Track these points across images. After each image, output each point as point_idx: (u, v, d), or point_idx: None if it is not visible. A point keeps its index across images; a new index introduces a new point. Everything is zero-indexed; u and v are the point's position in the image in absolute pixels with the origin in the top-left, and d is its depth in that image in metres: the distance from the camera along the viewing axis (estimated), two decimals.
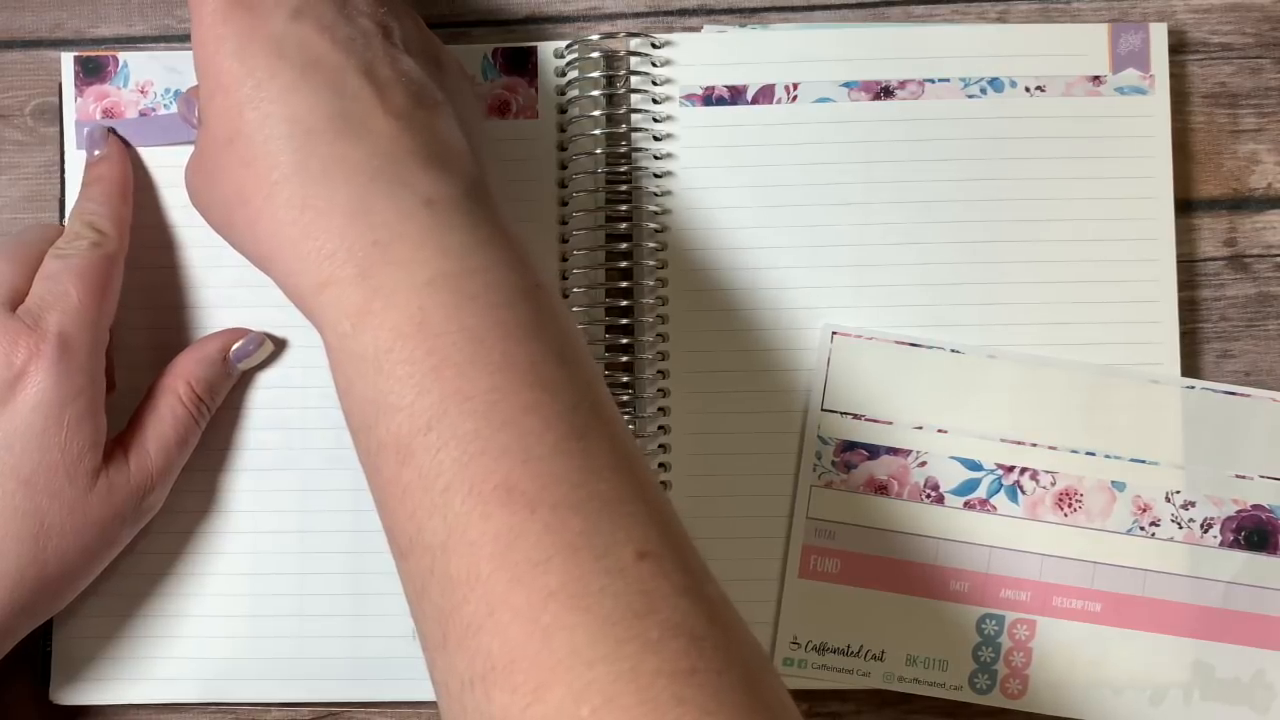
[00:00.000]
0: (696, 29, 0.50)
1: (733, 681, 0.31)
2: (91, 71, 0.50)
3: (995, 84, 0.49)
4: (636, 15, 0.51)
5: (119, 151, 0.49)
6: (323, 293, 0.36)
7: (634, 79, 0.49)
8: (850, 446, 0.49)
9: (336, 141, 0.37)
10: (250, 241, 0.39)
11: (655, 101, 0.49)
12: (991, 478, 0.48)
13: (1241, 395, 0.48)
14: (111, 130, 0.49)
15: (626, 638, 0.31)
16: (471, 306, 0.35)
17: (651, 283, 0.49)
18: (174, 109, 0.50)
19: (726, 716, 0.30)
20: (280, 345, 0.49)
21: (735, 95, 0.49)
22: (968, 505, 0.48)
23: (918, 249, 0.49)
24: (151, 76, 0.50)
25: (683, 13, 0.51)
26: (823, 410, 0.49)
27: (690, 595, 0.32)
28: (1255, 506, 0.48)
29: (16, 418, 0.43)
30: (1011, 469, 0.48)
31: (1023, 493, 0.48)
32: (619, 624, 0.31)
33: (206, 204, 0.41)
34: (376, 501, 0.36)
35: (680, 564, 0.33)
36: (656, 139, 0.49)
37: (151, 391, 0.47)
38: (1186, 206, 0.50)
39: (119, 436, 0.46)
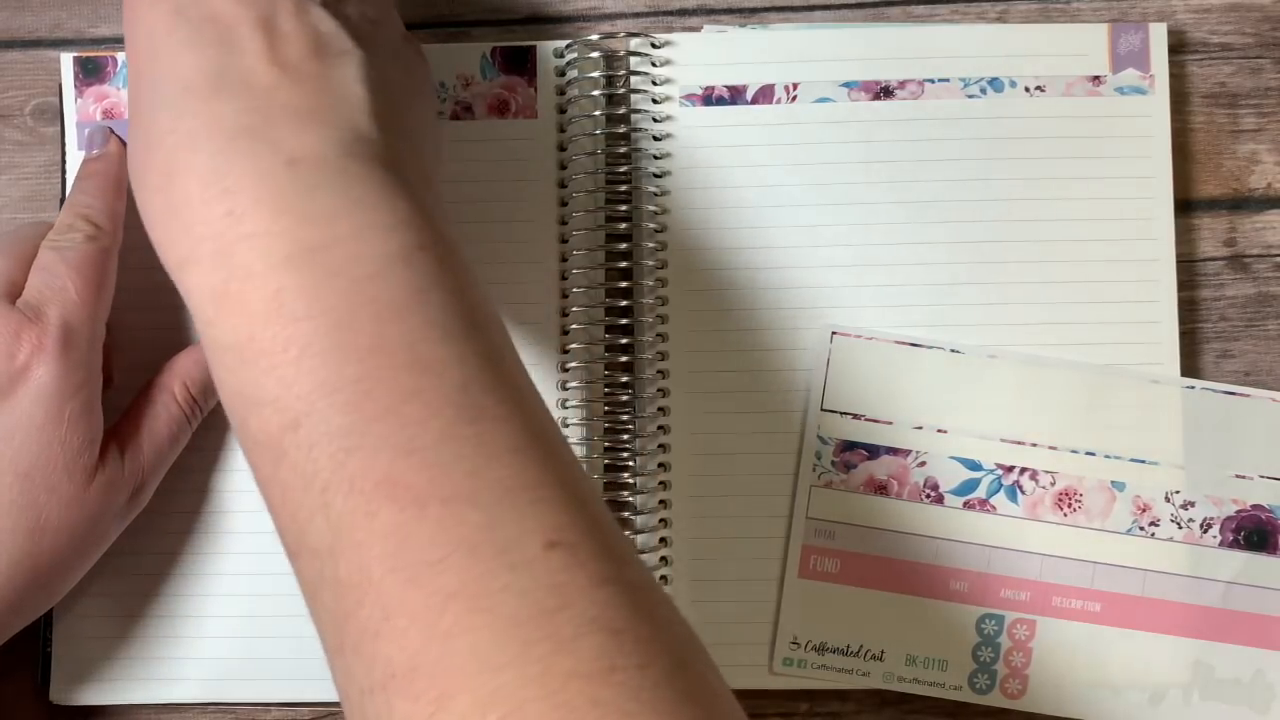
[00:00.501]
0: (696, 29, 0.50)
1: (657, 677, 0.29)
2: (91, 72, 0.50)
3: (995, 84, 0.49)
4: (636, 15, 0.51)
5: (117, 149, 0.49)
6: (185, 272, 0.34)
7: (634, 79, 0.49)
8: (850, 446, 0.49)
9: (211, 98, 0.34)
10: (142, 215, 0.36)
11: (655, 101, 0.49)
12: (991, 478, 0.48)
13: (1241, 395, 0.48)
14: (111, 131, 0.49)
15: (536, 638, 0.28)
16: (334, 284, 0.32)
17: (651, 283, 0.49)
18: None
19: (650, 717, 0.28)
20: None
21: (735, 95, 0.49)
22: (967, 505, 0.48)
23: (918, 249, 0.49)
24: None
25: (683, 13, 0.51)
26: (823, 410, 0.49)
27: (609, 584, 0.30)
28: (1255, 506, 0.48)
29: (17, 410, 0.43)
30: (1011, 469, 0.48)
31: (1022, 493, 0.48)
32: (526, 623, 0.28)
33: (131, 182, 0.38)
34: (264, 500, 0.33)
35: (597, 550, 0.30)
36: (656, 139, 0.49)
37: (147, 389, 0.47)
38: (1186, 206, 0.50)
39: (112, 431, 0.46)
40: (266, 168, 0.33)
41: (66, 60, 0.50)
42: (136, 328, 0.49)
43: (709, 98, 0.49)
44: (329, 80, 0.35)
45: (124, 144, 0.49)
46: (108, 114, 0.50)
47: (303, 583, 0.32)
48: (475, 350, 0.32)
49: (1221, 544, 0.48)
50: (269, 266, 0.32)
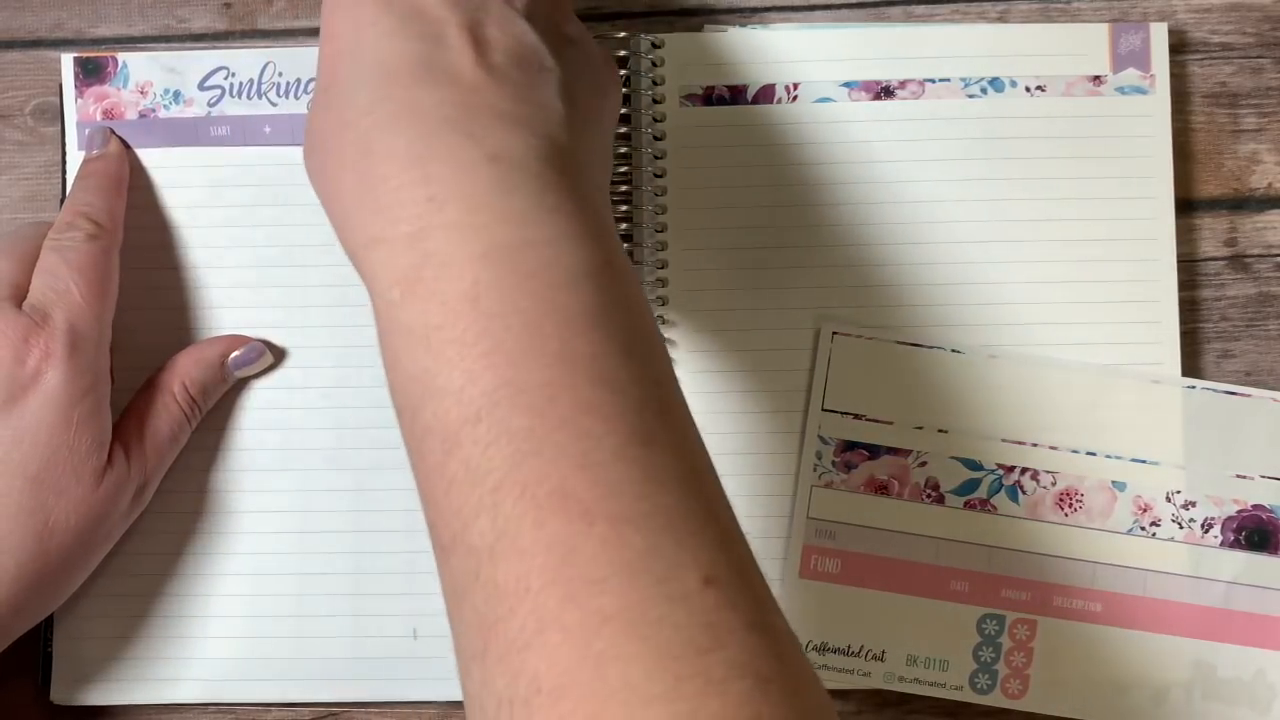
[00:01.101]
0: (697, 29, 0.50)
1: None
2: (91, 72, 0.50)
3: (995, 84, 0.49)
4: (636, 15, 0.51)
5: (117, 149, 0.49)
6: (373, 251, 0.34)
7: (634, 79, 0.49)
8: (850, 446, 0.49)
9: (414, 86, 0.34)
10: (321, 190, 0.36)
11: (655, 101, 0.49)
12: (992, 478, 0.48)
13: (1242, 395, 0.48)
14: (112, 131, 0.49)
15: (687, 675, 0.28)
16: (528, 286, 0.32)
17: (651, 281, 0.49)
18: (174, 110, 0.50)
19: None
20: (279, 356, 0.49)
21: (735, 95, 0.49)
22: (968, 505, 0.48)
23: (918, 249, 0.49)
24: (151, 77, 0.50)
25: (683, 13, 0.51)
26: (823, 410, 0.49)
27: (758, 630, 0.29)
28: (1256, 506, 0.48)
29: (27, 415, 0.43)
30: (1012, 469, 0.48)
31: (1023, 493, 0.48)
32: (680, 659, 0.28)
33: (307, 161, 0.37)
34: (419, 489, 0.33)
35: (748, 593, 0.30)
36: (657, 139, 0.49)
37: (147, 388, 0.47)
38: (1187, 206, 0.50)
39: (115, 432, 0.46)
40: (468, 161, 0.33)
41: (67, 61, 0.50)
42: (136, 328, 0.49)
43: (709, 98, 0.49)
44: (531, 89, 0.35)
45: (124, 144, 0.49)
46: (108, 114, 0.50)
47: (450, 579, 0.32)
48: (650, 373, 0.32)
49: (1222, 544, 0.48)
50: (467, 257, 0.32)
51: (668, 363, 0.34)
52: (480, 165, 0.33)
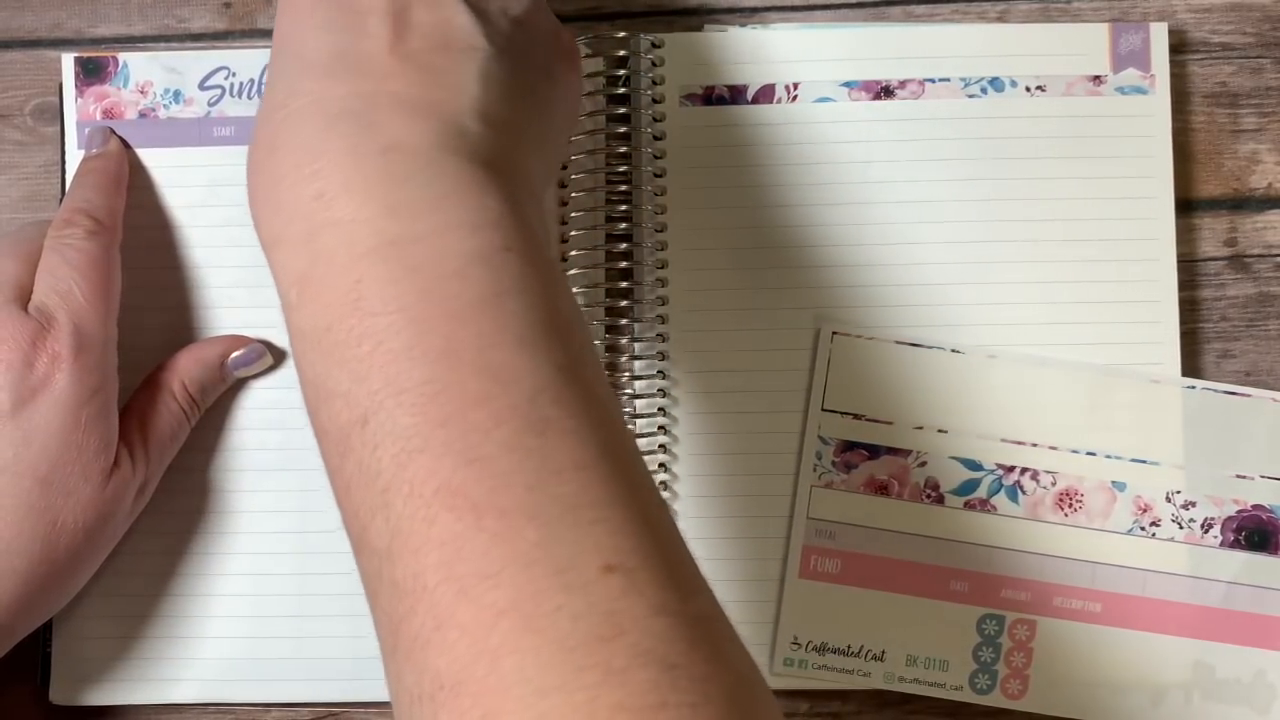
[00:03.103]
0: (697, 29, 0.50)
1: (709, 717, 0.27)
2: (91, 72, 0.50)
3: (995, 84, 0.49)
4: (636, 15, 0.51)
5: (116, 147, 0.49)
6: (275, 251, 0.33)
7: (634, 79, 0.49)
8: (850, 446, 0.48)
9: (324, 79, 0.34)
10: (247, 193, 0.36)
11: (655, 101, 0.49)
12: (992, 478, 0.48)
13: (1242, 395, 0.48)
14: (112, 131, 0.49)
15: (586, 665, 0.27)
16: (413, 280, 0.31)
17: (651, 282, 0.49)
18: (174, 110, 0.50)
19: None
20: (279, 357, 0.49)
21: (735, 95, 0.49)
22: (968, 505, 0.48)
23: (918, 249, 0.49)
24: (151, 77, 0.50)
25: (683, 13, 0.51)
26: (823, 410, 0.49)
27: (668, 615, 0.28)
28: (1256, 507, 0.48)
29: (36, 416, 0.43)
30: (1012, 469, 0.48)
31: (1023, 493, 0.48)
32: (578, 649, 0.27)
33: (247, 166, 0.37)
34: (332, 490, 0.33)
35: (659, 577, 0.29)
36: (657, 139, 0.49)
37: (146, 387, 0.47)
38: (1187, 206, 0.50)
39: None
40: (361, 153, 0.33)
41: (67, 60, 0.50)
42: (136, 328, 0.49)
43: (709, 98, 0.49)
44: (445, 74, 0.35)
45: (124, 143, 0.49)
46: (108, 114, 0.50)
47: (364, 579, 0.32)
48: (550, 359, 0.31)
49: (1222, 544, 0.48)
50: (351, 256, 0.32)
51: (578, 341, 0.33)
52: (372, 157, 0.32)
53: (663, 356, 0.49)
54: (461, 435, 0.30)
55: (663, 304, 0.49)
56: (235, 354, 0.48)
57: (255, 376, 0.49)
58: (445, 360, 0.30)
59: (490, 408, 0.30)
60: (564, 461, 0.30)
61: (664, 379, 0.49)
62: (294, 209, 0.33)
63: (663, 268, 0.49)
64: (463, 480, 0.29)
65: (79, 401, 0.43)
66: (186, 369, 0.48)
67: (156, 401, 0.47)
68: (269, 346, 0.49)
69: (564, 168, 0.49)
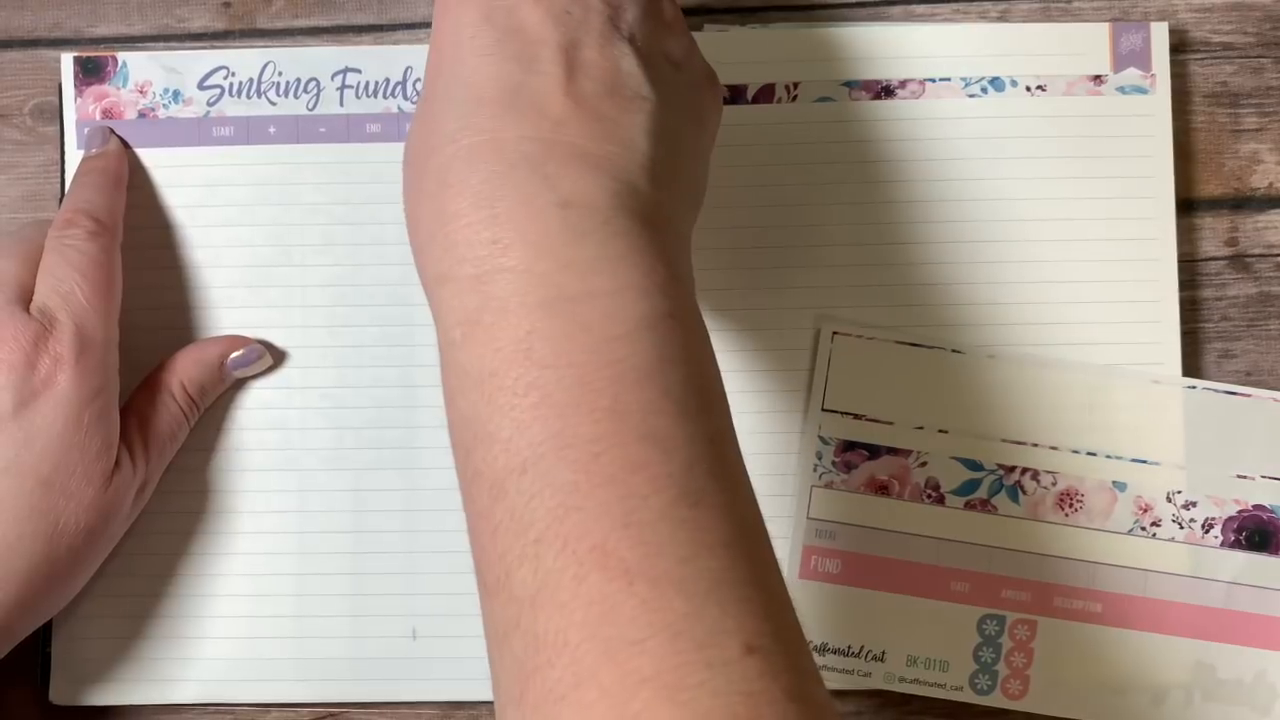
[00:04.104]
0: (697, 29, 0.50)
1: None
2: (91, 72, 0.50)
3: (996, 83, 0.49)
4: None
5: (116, 147, 0.49)
6: (440, 288, 0.34)
7: None
8: (850, 446, 0.48)
9: (499, 116, 0.34)
10: (405, 212, 0.36)
11: None
12: (992, 478, 0.48)
13: (1243, 395, 0.48)
14: (111, 131, 0.49)
15: None
16: (584, 339, 0.31)
17: None
18: (173, 110, 0.49)
19: None
20: (279, 358, 0.49)
21: (735, 95, 0.49)
22: (969, 505, 0.48)
23: (917, 249, 0.49)
24: (150, 77, 0.50)
25: (683, 12, 0.51)
26: (823, 410, 0.49)
27: (800, 702, 0.29)
28: (1257, 507, 0.48)
29: (39, 418, 0.43)
30: (1012, 469, 0.48)
31: (1024, 493, 0.48)
32: None
33: (403, 173, 0.37)
34: (468, 526, 0.33)
35: (791, 662, 0.29)
36: None
37: (146, 388, 0.47)
38: (1188, 206, 0.50)
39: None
40: (539, 205, 0.33)
41: (66, 60, 0.50)
42: (135, 328, 0.49)
43: None
44: (617, 125, 0.35)
45: (124, 143, 0.49)
46: (107, 114, 0.50)
47: (492, 622, 0.32)
48: (704, 431, 0.32)
49: (1223, 544, 0.48)
50: (524, 306, 0.32)
51: (725, 418, 0.33)
52: (551, 210, 0.33)
53: None
54: (620, 498, 0.30)
55: None
56: (235, 354, 0.48)
57: (255, 377, 0.49)
58: (611, 421, 0.31)
59: (649, 474, 0.30)
60: (714, 537, 0.30)
61: None
62: (466, 250, 0.33)
63: None
64: (618, 543, 0.29)
65: (81, 402, 0.43)
66: (186, 369, 0.48)
67: (156, 402, 0.47)
68: (268, 347, 0.49)
69: None
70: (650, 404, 0.31)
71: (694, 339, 0.33)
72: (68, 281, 0.44)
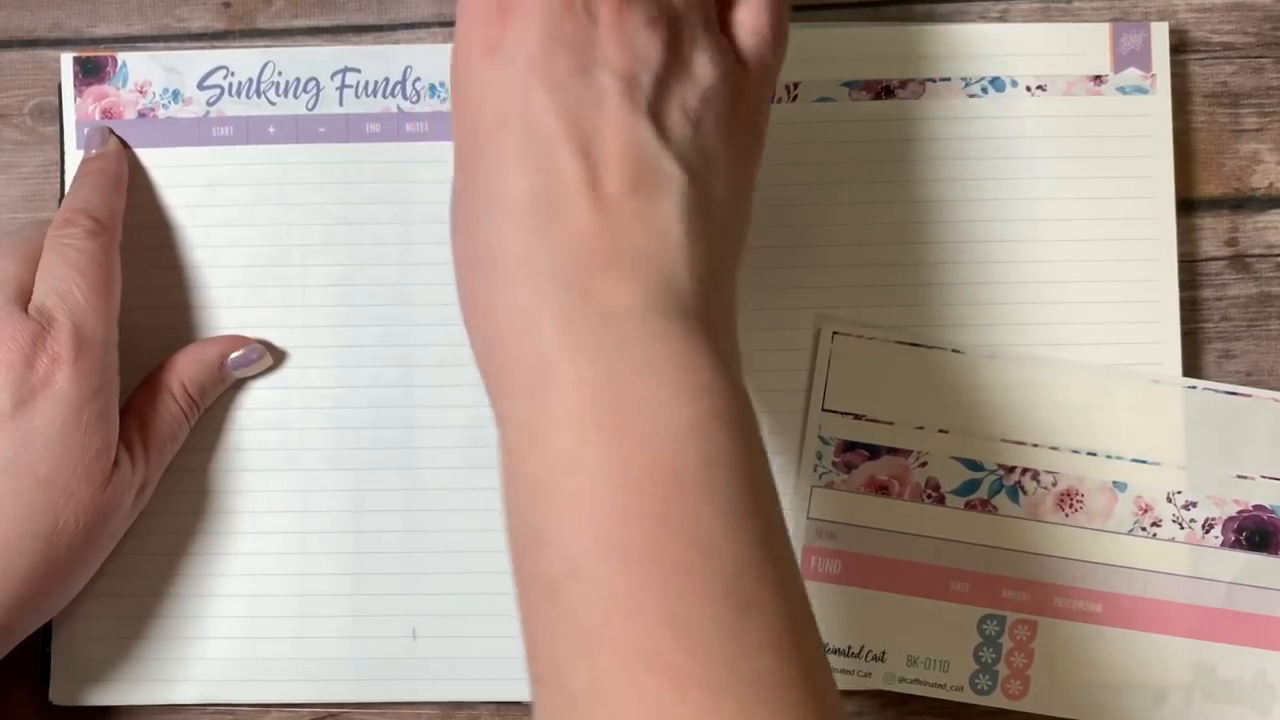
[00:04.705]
0: None
1: None
2: (90, 72, 0.50)
3: (996, 84, 0.49)
4: None
5: (115, 147, 0.49)
6: (498, 401, 0.35)
7: None
8: (851, 446, 0.48)
9: (531, 234, 0.35)
10: (459, 295, 0.37)
11: None
12: (992, 478, 0.48)
13: (1243, 395, 0.48)
14: (110, 131, 0.49)
15: None
16: (631, 447, 0.32)
17: None
18: (173, 110, 0.50)
19: None
20: (279, 358, 0.49)
21: None
22: (969, 505, 0.48)
23: (917, 249, 0.49)
24: (150, 77, 0.50)
25: None
26: (823, 410, 0.49)
27: None
28: (1257, 507, 0.48)
29: (37, 417, 0.43)
30: (1012, 469, 0.48)
31: (1024, 493, 0.48)
32: None
33: (452, 240, 0.38)
34: (521, 619, 0.34)
35: None
36: None
37: (146, 388, 0.47)
38: (1188, 206, 0.50)
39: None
40: (580, 321, 0.33)
41: (66, 60, 0.50)
42: (135, 328, 0.49)
43: None
44: (647, 220, 0.35)
45: (123, 143, 0.49)
46: (106, 114, 0.50)
47: (543, 712, 0.32)
48: (752, 532, 0.32)
49: (1223, 544, 0.48)
50: (574, 419, 0.33)
51: (774, 514, 0.34)
52: (592, 324, 0.33)
53: None
54: (669, 604, 0.31)
55: None
56: (234, 354, 0.48)
57: (255, 377, 0.49)
58: (658, 527, 0.31)
59: (698, 579, 0.31)
60: (764, 640, 0.31)
61: None
62: (518, 368, 0.34)
63: None
64: (669, 649, 0.30)
65: (80, 402, 0.43)
66: (186, 369, 0.48)
67: (156, 402, 0.47)
68: (268, 346, 0.49)
69: None
70: (697, 507, 0.32)
71: (741, 435, 0.33)
72: (66, 281, 0.44)
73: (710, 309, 0.35)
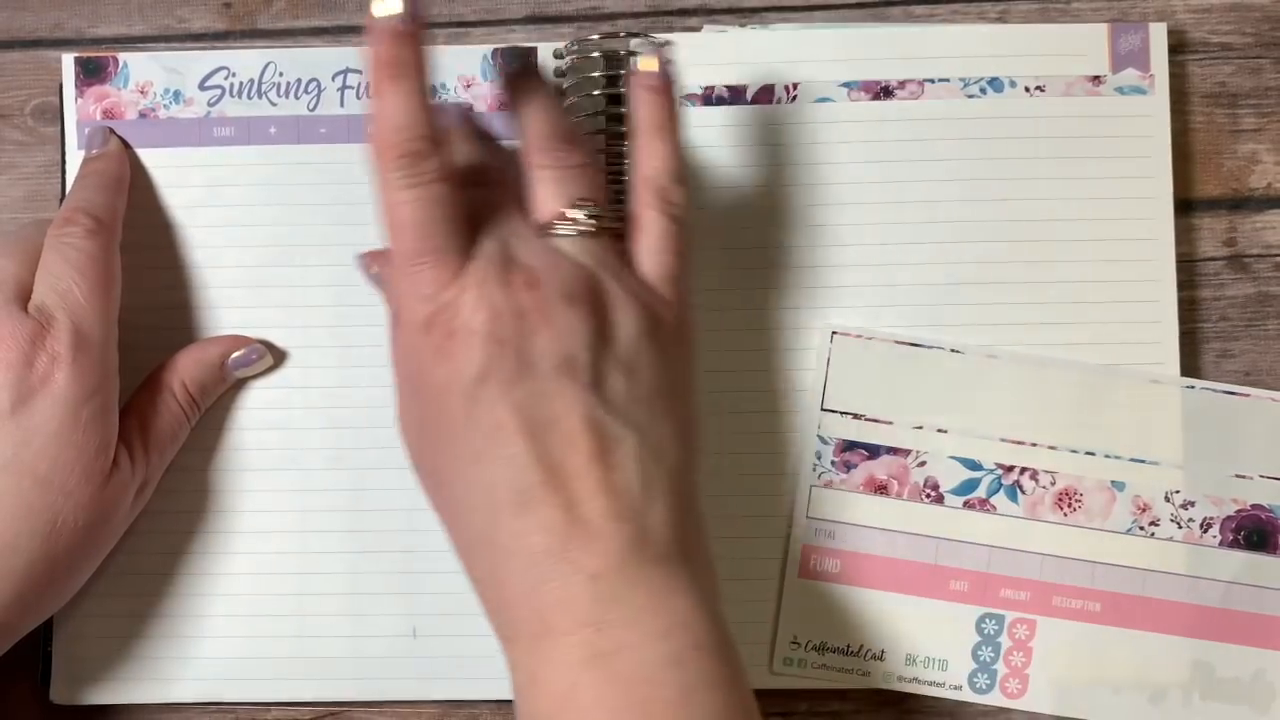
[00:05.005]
0: (696, 29, 0.50)
1: None
2: (92, 72, 0.50)
3: (995, 84, 0.49)
4: (636, 15, 0.51)
5: (117, 149, 0.49)
6: (508, 646, 0.39)
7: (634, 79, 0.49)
8: (850, 446, 0.49)
9: (511, 518, 0.38)
10: (450, 533, 0.41)
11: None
12: (991, 477, 0.48)
13: (1241, 395, 0.48)
14: (111, 131, 0.49)
15: None
16: (619, 686, 0.36)
17: None
18: (174, 110, 0.50)
19: None
20: (280, 358, 0.49)
21: (735, 95, 0.49)
22: (967, 505, 0.48)
23: (917, 249, 0.49)
24: (151, 77, 0.50)
25: (683, 13, 0.51)
26: (823, 410, 0.49)
27: None
28: (1255, 506, 0.48)
29: (35, 415, 0.43)
30: (1011, 469, 0.48)
31: (1022, 492, 0.48)
32: None
33: (415, 465, 0.42)
34: None
35: None
36: None
37: (147, 387, 0.47)
38: (1186, 206, 0.50)
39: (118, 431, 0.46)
40: (571, 586, 0.37)
41: (67, 60, 0.50)
42: (136, 328, 0.49)
43: (709, 98, 0.49)
44: (609, 487, 0.38)
45: (124, 143, 0.49)
46: (108, 114, 0.50)
47: None
48: None
49: (1221, 544, 0.48)
50: (568, 665, 0.37)
51: None
52: (583, 585, 0.37)
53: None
54: None
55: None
56: (235, 354, 0.48)
57: (255, 377, 0.49)
58: None
59: None
60: None
61: None
62: (523, 619, 0.38)
63: None
64: None
65: (78, 401, 0.43)
66: (186, 369, 0.48)
67: (156, 401, 0.47)
68: (269, 347, 0.49)
69: None
70: None
71: (721, 663, 0.37)
72: (65, 280, 0.44)
73: (683, 543, 0.39)
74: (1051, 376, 0.48)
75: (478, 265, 0.40)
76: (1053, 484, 0.48)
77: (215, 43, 0.51)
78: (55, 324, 0.43)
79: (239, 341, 0.49)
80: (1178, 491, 0.48)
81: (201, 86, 0.50)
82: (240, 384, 0.49)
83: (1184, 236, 0.50)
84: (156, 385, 0.47)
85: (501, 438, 0.38)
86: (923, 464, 0.48)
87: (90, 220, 0.45)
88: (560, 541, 0.38)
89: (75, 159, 0.49)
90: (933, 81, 0.49)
